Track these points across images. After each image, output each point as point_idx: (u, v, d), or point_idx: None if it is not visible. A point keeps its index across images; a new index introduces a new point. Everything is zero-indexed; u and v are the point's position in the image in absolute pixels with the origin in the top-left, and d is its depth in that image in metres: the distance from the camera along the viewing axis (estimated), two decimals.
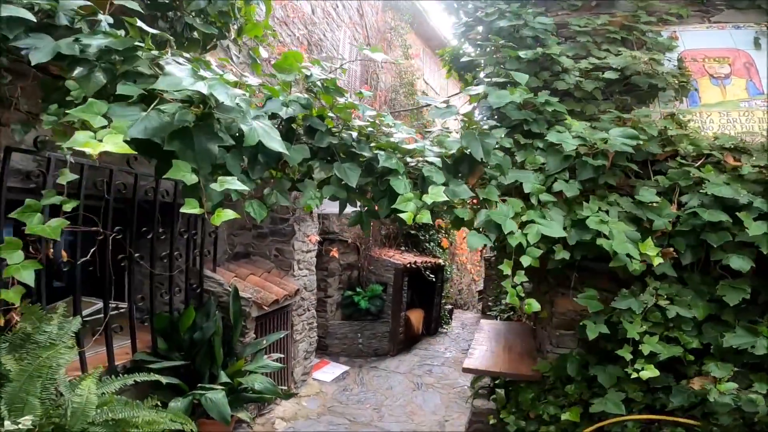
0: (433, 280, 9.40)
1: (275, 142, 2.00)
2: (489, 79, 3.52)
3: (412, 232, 10.01)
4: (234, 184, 1.85)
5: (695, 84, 3.57)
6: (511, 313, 6.61)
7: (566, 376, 3.06)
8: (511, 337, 4.17)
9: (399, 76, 9.97)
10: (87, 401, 2.12)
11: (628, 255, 2.66)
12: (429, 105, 3.32)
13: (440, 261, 10.47)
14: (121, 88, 1.75)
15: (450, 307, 12.42)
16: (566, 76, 3.40)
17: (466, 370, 3.54)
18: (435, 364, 8.41)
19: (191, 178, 1.74)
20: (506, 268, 2.56)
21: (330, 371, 7.63)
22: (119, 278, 3.50)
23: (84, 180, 2.87)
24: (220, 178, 1.85)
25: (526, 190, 2.88)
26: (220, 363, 3.83)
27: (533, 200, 2.84)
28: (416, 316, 9.50)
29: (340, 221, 7.99)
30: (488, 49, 3.71)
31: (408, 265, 8.61)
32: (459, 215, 2.73)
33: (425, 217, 2.37)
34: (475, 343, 4.01)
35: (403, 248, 9.83)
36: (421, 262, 9.26)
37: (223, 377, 3.72)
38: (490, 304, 9.00)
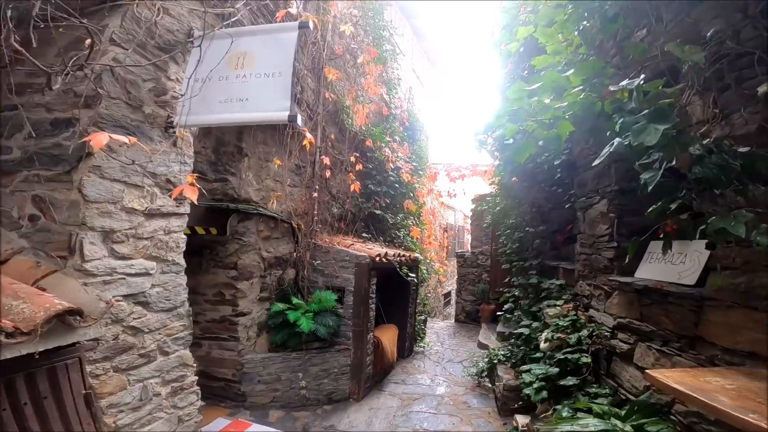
0: (415, 280, 5.96)
1: None
2: None
3: (377, 212, 6.54)
4: None
5: None
6: (585, 333, 3.29)
7: None
8: None
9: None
10: None
11: None
12: None
13: (417, 255, 7.08)
14: None
15: (424, 317, 9.03)
16: None
17: None
18: (426, 411, 4.94)
19: None
20: None
21: None
22: None
23: None
24: None
25: None
26: None
27: None
28: (389, 336, 6.01)
29: (262, 181, 4.39)
30: None
31: (377, 260, 5.15)
32: None
33: None
34: None
35: (365, 235, 6.33)
36: (394, 255, 5.83)
37: None
38: (501, 314, 5.69)
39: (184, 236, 2.52)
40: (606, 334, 3.20)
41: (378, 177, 6.80)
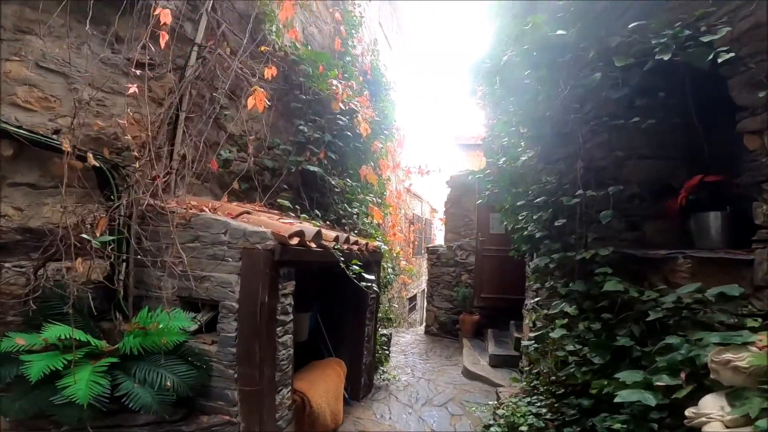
0: (374, 288, 3.24)
1: None
2: None
3: (313, 169, 3.84)
4: None
5: None
6: None
7: None
8: None
9: None
10: None
11: None
12: None
13: (378, 244, 4.44)
14: None
15: (389, 332, 6.39)
16: None
17: None
18: None
19: None
20: None
21: None
22: None
23: None
24: None
25: None
26: None
27: None
28: (328, 386, 3.31)
29: None
30: None
31: (295, 243, 2.49)
32: None
33: None
34: None
35: (287, 204, 3.59)
36: (337, 241, 3.19)
37: None
38: (530, 342, 3.11)
39: None
40: None
41: (318, 120, 4.14)
